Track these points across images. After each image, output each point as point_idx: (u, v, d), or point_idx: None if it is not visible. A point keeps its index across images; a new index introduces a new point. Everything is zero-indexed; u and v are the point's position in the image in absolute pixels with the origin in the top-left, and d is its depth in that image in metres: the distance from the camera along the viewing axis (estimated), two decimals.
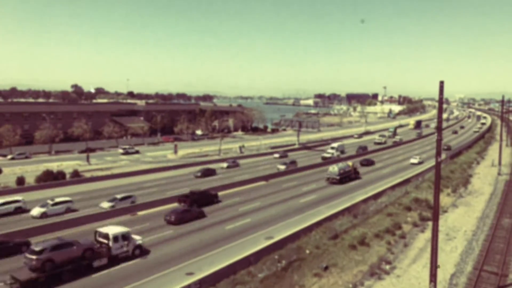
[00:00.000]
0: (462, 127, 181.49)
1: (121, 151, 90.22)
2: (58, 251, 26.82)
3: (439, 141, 24.00)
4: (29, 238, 32.73)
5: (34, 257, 25.87)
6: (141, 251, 31.22)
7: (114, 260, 29.42)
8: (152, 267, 28.88)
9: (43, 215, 40.56)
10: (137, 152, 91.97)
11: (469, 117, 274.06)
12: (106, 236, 29.88)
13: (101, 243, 29.71)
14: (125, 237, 30.40)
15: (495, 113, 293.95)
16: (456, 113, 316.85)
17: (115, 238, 29.78)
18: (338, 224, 36.51)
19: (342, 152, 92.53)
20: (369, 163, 76.90)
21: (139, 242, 31.40)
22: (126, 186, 56.66)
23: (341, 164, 61.93)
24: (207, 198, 46.36)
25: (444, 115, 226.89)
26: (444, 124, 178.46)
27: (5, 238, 31.77)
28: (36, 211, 41.15)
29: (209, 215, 42.15)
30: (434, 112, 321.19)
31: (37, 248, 26.43)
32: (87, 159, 76.59)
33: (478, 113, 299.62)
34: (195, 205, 43.06)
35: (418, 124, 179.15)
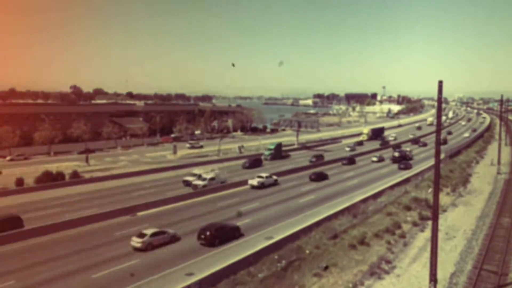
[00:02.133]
0: (470, 119, 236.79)
1: (188, 145, 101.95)
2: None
3: (437, 140, 24.03)
4: None
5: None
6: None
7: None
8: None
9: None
10: (201, 146, 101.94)
11: (467, 112, 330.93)
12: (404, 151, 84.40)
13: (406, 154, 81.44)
14: (409, 152, 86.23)
15: (494, 112, 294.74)
16: (450, 115, 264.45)
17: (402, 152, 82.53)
18: (337, 224, 36.50)
19: None
20: None
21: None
22: (126, 186, 56.65)
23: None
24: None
25: (430, 119, 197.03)
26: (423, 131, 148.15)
27: None
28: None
29: (208, 215, 42.20)
30: (433, 111, 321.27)
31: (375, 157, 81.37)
32: (86, 160, 76.53)
33: (475, 111, 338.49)
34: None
35: (377, 134, 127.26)
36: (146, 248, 31.87)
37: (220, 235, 33.45)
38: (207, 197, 49.96)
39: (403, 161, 75.98)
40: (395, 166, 73.79)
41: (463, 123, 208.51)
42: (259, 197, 50.42)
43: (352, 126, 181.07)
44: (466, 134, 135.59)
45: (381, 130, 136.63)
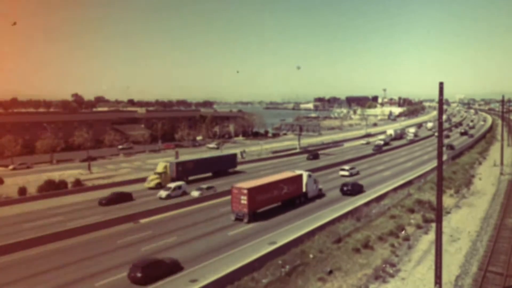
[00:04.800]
0: (475, 114, 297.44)
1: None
2: None
3: (440, 142, 23.97)
4: None
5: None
6: None
7: None
8: None
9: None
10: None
11: (466, 111, 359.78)
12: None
13: None
14: None
15: (495, 113, 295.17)
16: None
17: None
18: (341, 227, 36.38)
19: None
20: None
21: None
22: None
23: None
24: None
25: (390, 131, 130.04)
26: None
27: None
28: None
29: (211, 221, 42.11)
30: (434, 113, 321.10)
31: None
32: (89, 167, 76.62)
33: (472, 111, 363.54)
34: None
35: (204, 168, 66.11)
36: None
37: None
38: (205, 204, 49.88)
39: None
40: None
41: (474, 116, 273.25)
42: None
43: (354, 129, 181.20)
44: (482, 122, 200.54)
45: (229, 159, 72.53)
